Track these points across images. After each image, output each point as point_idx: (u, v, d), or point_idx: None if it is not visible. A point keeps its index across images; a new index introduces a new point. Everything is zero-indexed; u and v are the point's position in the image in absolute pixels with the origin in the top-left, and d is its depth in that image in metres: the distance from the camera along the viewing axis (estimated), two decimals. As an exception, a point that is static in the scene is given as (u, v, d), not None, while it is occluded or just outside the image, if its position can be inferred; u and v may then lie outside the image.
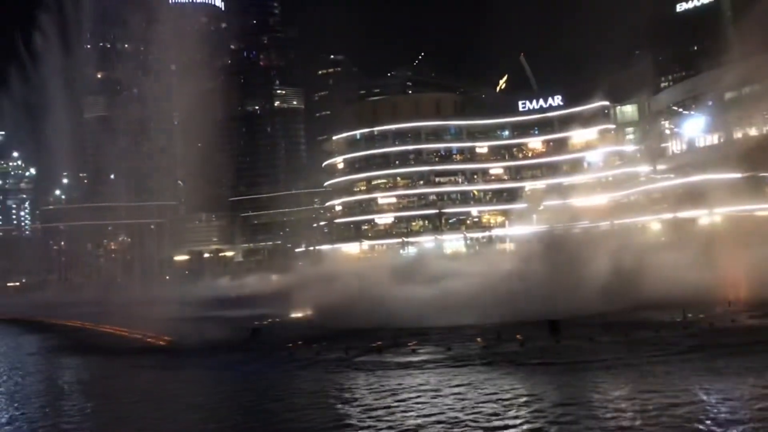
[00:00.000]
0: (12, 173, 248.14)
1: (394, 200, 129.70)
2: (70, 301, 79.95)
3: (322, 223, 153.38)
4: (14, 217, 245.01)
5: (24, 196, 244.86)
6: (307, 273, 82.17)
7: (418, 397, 20.27)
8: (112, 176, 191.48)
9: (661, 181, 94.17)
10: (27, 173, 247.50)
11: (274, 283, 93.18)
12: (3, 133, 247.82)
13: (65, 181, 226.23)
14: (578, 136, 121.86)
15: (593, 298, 36.85)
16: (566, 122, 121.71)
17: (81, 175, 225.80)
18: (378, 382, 22.93)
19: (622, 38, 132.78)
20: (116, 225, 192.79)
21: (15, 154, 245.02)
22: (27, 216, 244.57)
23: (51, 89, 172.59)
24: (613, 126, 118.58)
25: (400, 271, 51.59)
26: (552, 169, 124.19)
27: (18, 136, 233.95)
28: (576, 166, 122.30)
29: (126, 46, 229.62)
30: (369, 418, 18.28)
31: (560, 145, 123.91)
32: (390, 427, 17.29)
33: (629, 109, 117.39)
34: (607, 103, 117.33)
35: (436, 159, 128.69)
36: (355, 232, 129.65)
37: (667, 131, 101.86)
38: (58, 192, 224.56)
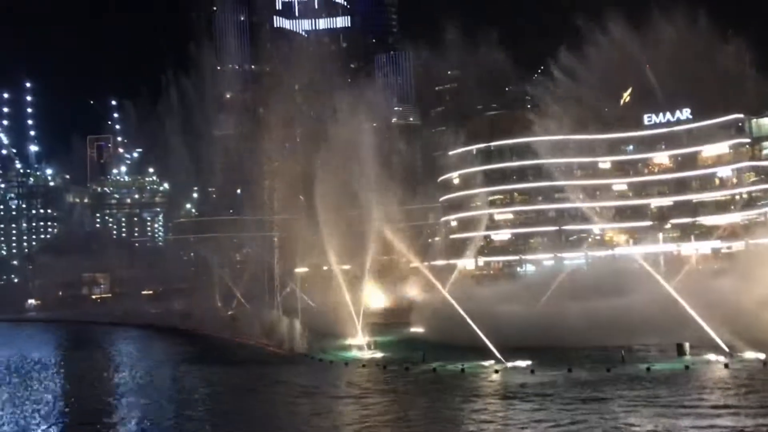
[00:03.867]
0: (147, 188, 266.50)
1: (511, 216, 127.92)
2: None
3: (436, 238, 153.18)
4: (149, 229, 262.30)
5: (158, 209, 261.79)
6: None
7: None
8: (238, 191, 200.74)
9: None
10: (161, 188, 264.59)
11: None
12: (140, 150, 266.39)
13: (195, 195, 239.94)
14: (709, 150, 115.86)
15: None
16: (696, 136, 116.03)
17: (210, 189, 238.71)
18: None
19: (758, 45, 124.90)
20: (241, 237, 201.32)
21: (150, 170, 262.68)
22: (160, 228, 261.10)
23: (183, 109, 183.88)
24: (748, 140, 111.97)
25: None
26: (680, 186, 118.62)
27: (153, 153, 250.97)
28: (706, 183, 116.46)
29: (253, 67, 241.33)
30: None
31: (689, 160, 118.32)
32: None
33: (767, 122, 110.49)
34: (741, 115, 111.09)
35: (556, 174, 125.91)
36: (470, 248, 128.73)
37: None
38: (188, 206, 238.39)
